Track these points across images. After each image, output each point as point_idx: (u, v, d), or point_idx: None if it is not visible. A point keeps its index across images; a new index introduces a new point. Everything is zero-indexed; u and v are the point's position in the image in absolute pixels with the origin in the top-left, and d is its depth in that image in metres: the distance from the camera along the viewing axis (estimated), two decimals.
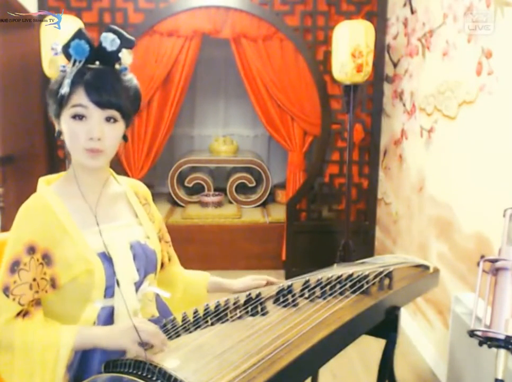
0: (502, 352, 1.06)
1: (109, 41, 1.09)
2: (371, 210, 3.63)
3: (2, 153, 2.98)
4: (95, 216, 1.14)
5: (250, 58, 3.46)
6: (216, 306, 1.18)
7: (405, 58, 3.01)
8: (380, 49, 3.32)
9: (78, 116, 1.07)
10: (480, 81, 2.04)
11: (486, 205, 1.99)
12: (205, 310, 1.17)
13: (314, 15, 3.42)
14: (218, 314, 1.15)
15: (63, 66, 1.10)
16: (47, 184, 1.15)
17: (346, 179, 3.16)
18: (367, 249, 3.57)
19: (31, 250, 1.05)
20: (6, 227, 1.16)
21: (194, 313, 1.14)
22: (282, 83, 3.48)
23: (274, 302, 1.23)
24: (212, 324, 1.11)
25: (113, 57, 1.11)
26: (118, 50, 1.11)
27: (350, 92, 2.95)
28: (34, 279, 1.05)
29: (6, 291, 1.04)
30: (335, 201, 3.67)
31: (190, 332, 1.08)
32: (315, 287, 1.30)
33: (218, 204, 4.35)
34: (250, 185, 4.60)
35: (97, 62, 1.11)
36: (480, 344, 1.09)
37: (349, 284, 1.32)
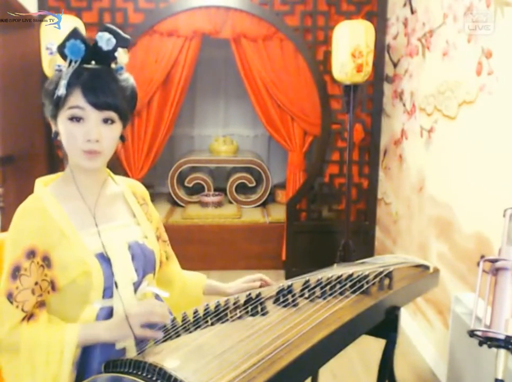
0: (502, 352, 1.05)
1: (105, 40, 1.08)
2: (371, 210, 3.63)
3: (2, 153, 2.98)
4: (93, 217, 1.14)
5: (250, 58, 3.46)
6: (216, 306, 1.18)
7: (405, 58, 3.01)
8: (380, 49, 3.32)
9: (75, 118, 1.06)
10: (480, 81, 2.04)
11: (486, 205, 1.99)
12: (205, 310, 1.17)
13: (314, 15, 3.42)
14: (218, 314, 1.15)
15: (59, 66, 1.09)
16: (44, 186, 1.15)
17: (346, 179, 3.16)
18: (367, 249, 3.57)
19: (31, 254, 1.05)
20: (6, 227, 1.16)
21: (194, 313, 1.14)
22: (282, 83, 3.48)
23: (274, 302, 1.23)
24: (212, 324, 1.11)
25: (109, 56, 1.10)
26: (114, 49, 1.09)
27: (350, 92, 2.95)
28: (36, 283, 1.05)
29: (10, 297, 1.04)
30: (335, 201, 3.67)
31: (190, 332, 1.08)
32: (315, 287, 1.30)
33: (218, 204, 4.35)
34: (250, 185, 4.60)
35: (93, 62, 1.10)
36: (480, 344, 1.09)
37: (349, 284, 1.32)
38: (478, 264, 1.17)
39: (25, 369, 1.03)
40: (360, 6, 3.39)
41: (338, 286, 1.30)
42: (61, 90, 1.04)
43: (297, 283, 1.33)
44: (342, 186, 3.60)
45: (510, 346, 1.05)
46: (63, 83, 1.04)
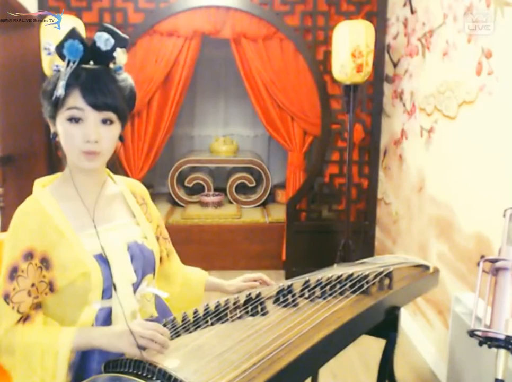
0: (502, 352, 1.06)
1: (103, 40, 1.07)
2: (371, 210, 3.63)
3: (2, 153, 2.98)
4: (92, 219, 1.13)
5: (250, 58, 3.46)
6: (216, 306, 1.18)
7: (405, 58, 3.01)
8: (380, 49, 3.32)
9: (74, 119, 1.06)
10: (480, 81, 2.04)
11: (486, 205, 1.99)
12: (205, 310, 1.17)
13: (314, 15, 3.42)
14: (218, 314, 1.15)
15: (57, 66, 1.09)
16: (42, 187, 1.14)
17: (346, 179, 3.16)
18: (367, 249, 3.56)
19: (29, 255, 1.05)
20: (5, 227, 1.16)
21: (194, 313, 1.14)
22: (282, 83, 3.48)
23: (274, 302, 1.23)
24: (212, 324, 1.11)
25: (108, 56, 1.09)
26: (113, 50, 1.09)
27: (350, 92, 2.95)
28: (33, 285, 1.05)
29: (6, 298, 1.04)
30: (335, 201, 3.67)
31: (190, 332, 1.08)
32: (315, 287, 1.30)
33: (218, 204, 4.34)
34: (250, 185, 4.60)
35: (92, 62, 1.09)
36: (480, 344, 1.09)
37: (349, 284, 1.32)
38: (478, 264, 1.17)
39: (21, 371, 1.03)
40: (360, 6, 3.39)
41: (338, 286, 1.30)
42: (60, 91, 1.03)
43: (297, 283, 1.34)
44: (342, 186, 3.60)
45: (510, 346, 1.05)
46: (61, 83, 1.03)
